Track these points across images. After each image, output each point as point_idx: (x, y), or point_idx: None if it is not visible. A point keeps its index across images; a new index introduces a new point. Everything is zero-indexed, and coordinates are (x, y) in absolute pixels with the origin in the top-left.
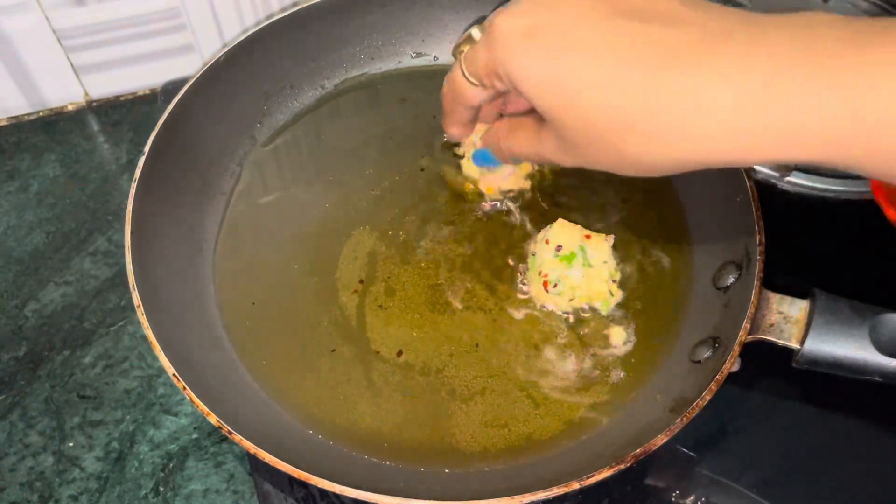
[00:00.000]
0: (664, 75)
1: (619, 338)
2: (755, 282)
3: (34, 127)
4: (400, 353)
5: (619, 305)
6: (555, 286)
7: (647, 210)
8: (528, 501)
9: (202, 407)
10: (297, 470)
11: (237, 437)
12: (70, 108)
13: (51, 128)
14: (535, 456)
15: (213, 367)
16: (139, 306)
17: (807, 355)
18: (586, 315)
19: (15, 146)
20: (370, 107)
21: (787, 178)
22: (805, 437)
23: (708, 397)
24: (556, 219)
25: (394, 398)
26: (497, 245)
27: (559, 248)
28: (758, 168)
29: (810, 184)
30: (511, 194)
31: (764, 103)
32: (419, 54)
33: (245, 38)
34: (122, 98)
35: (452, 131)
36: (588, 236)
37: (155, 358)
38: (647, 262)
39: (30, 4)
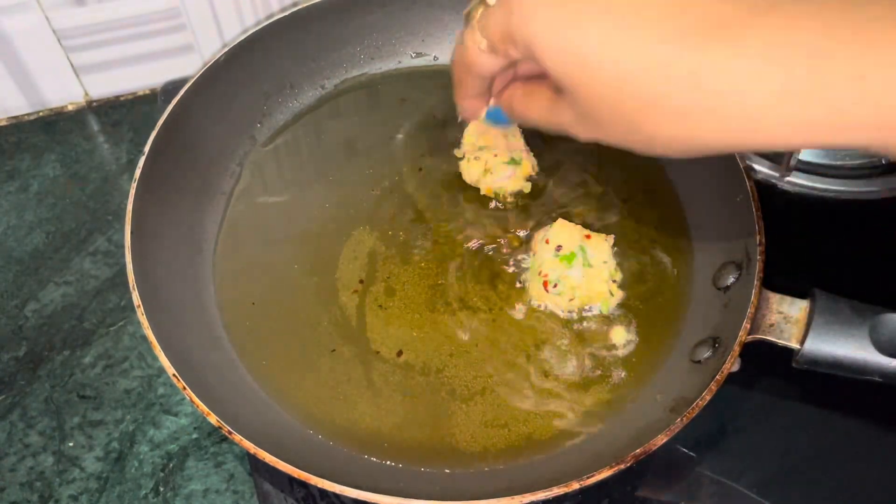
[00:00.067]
0: (702, 51)
1: (621, 338)
2: (755, 282)
3: (34, 127)
4: (400, 353)
5: (620, 305)
6: (555, 286)
7: (647, 210)
8: (528, 501)
9: (202, 407)
10: (297, 470)
11: (237, 437)
12: (70, 108)
13: (51, 128)
14: (535, 456)
15: (213, 367)
16: (139, 306)
17: (807, 355)
18: (586, 315)
19: (15, 146)
20: (370, 107)
21: (787, 178)
22: (805, 437)
23: (708, 397)
24: (556, 219)
25: (394, 398)
26: (497, 245)
27: (559, 248)
28: (758, 168)
29: (810, 184)
30: (511, 195)
31: (812, 87)
32: (419, 54)
33: (245, 38)
34: (122, 98)
35: (465, 105)
36: (588, 236)
37: (155, 358)
38: (647, 262)
39: (30, 4)
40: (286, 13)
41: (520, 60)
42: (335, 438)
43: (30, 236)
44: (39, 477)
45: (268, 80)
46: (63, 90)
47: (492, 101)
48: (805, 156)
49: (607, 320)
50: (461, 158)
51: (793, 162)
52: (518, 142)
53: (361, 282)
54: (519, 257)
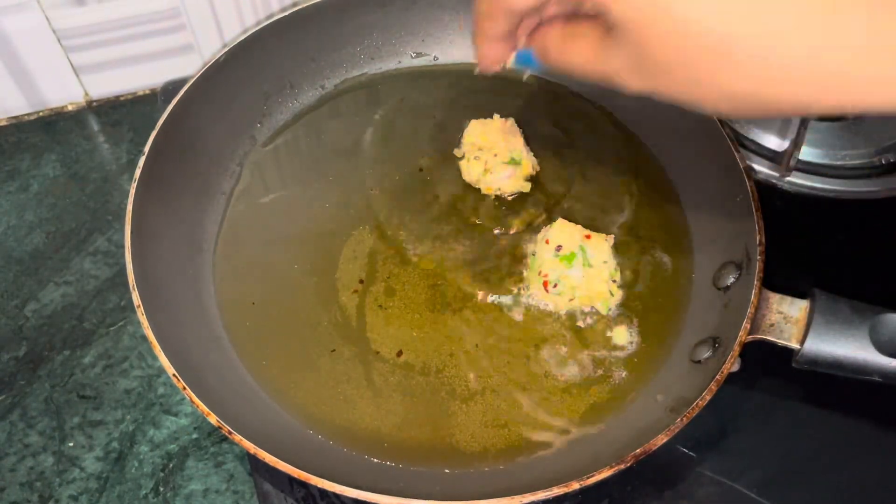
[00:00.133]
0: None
1: (623, 338)
2: (755, 282)
3: (34, 127)
4: (400, 353)
5: (619, 305)
6: (555, 286)
7: (647, 210)
8: (528, 501)
9: (202, 407)
10: (297, 470)
11: (237, 437)
12: (70, 108)
13: (51, 128)
14: (535, 456)
15: (212, 367)
16: (139, 306)
17: (807, 355)
18: (586, 315)
19: (15, 146)
20: (370, 107)
21: (787, 178)
22: (805, 437)
23: (708, 397)
24: (556, 219)
25: (394, 398)
26: (497, 245)
27: (559, 248)
28: (758, 168)
29: (810, 184)
30: (511, 195)
31: None
32: (419, 54)
33: (245, 38)
34: (122, 98)
35: (486, 51)
36: (588, 236)
37: (155, 358)
38: (647, 262)
39: (30, 4)
40: (286, 13)
41: None
42: (335, 438)
43: (30, 236)
44: (39, 477)
45: (268, 80)
46: (63, 90)
47: (520, 45)
48: (805, 156)
49: (608, 320)
50: (461, 158)
51: (793, 162)
52: (518, 142)
53: (361, 282)
54: (519, 257)
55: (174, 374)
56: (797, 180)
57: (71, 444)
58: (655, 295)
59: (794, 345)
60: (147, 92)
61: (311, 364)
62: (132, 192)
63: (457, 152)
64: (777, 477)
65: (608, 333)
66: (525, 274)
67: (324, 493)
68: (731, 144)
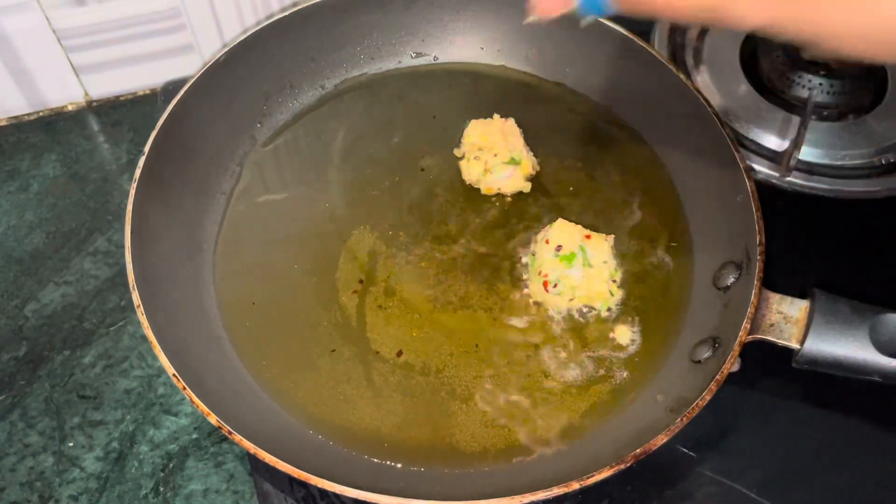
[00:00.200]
0: None
1: (626, 338)
2: (755, 282)
3: (34, 127)
4: (400, 353)
5: (620, 305)
6: (555, 286)
7: (647, 210)
8: (528, 501)
9: (202, 407)
10: (297, 470)
11: (237, 437)
12: (70, 108)
13: (51, 128)
14: (535, 456)
15: (212, 367)
16: (139, 306)
17: (807, 355)
18: (586, 315)
19: (15, 146)
20: (370, 107)
21: (787, 178)
22: (805, 437)
23: (708, 397)
24: (556, 219)
25: (394, 398)
26: (497, 245)
27: (559, 248)
28: (758, 168)
29: (810, 184)
30: (511, 195)
31: None
32: (419, 54)
33: (245, 38)
34: (122, 98)
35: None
36: (588, 236)
37: (155, 358)
38: (647, 262)
39: (30, 4)
40: (286, 13)
41: None
42: (335, 438)
43: (30, 236)
44: (39, 477)
45: (268, 80)
46: (63, 90)
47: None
48: (805, 156)
49: (608, 320)
50: (461, 158)
51: (793, 162)
52: (518, 142)
53: (361, 282)
54: (519, 257)
55: (174, 374)
56: (797, 180)
57: (71, 444)
58: (655, 295)
59: (794, 345)
60: (147, 92)
61: (311, 364)
62: (132, 192)
63: (457, 152)
64: (777, 477)
65: (611, 334)
66: (525, 274)
67: (324, 493)
68: (731, 144)
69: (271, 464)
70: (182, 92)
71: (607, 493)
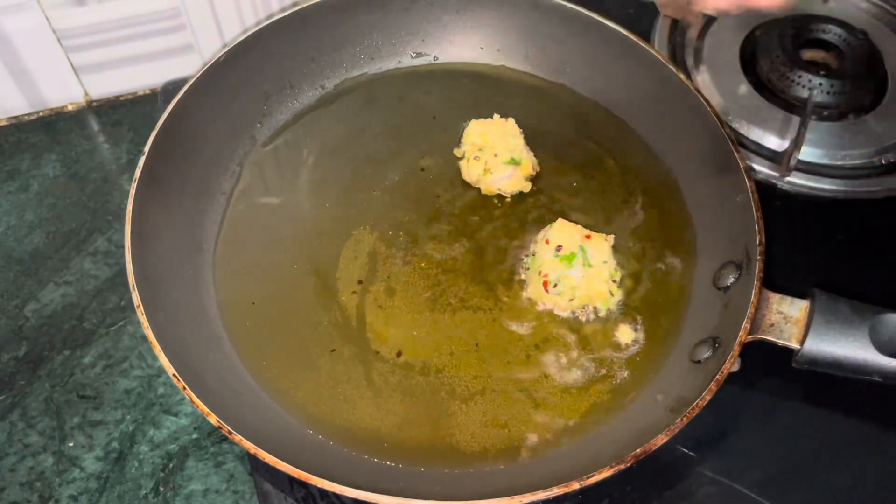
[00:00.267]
0: None
1: (628, 337)
2: (755, 282)
3: (34, 127)
4: (400, 354)
5: (619, 305)
6: (555, 286)
7: (647, 210)
8: (528, 501)
9: (202, 407)
10: (297, 470)
11: (237, 437)
12: (70, 108)
13: (51, 128)
14: (535, 456)
15: (212, 367)
16: (139, 306)
17: (807, 355)
18: (586, 315)
19: (15, 146)
20: (370, 107)
21: (787, 178)
22: (805, 437)
23: (708, 397)
24: (556, 219)
25: (394, 398)
26: (497, 245)
27: (559, 248)
28: (758, 168)
29: (810, 184)
30: (511, 195)
31: None
32: (419, 54)
33: (245, 38)
34: (122, 98)
35: None
36: (588, 236)
37: (155, 358)
38: (647, 262)
39: (30, 4)
40: (286, 13)
41: None
42: (335, 438)
43: (30, 236)
44: (39, 477)
45: (268, 80)
46: (63, 90)
47: None
48: (805, 156)
49: (608, 320)
50: (461, 158)
51: (793, 162)
52: (518, 142)
53: (361, 282)
54: (519, 257)
55: (174, 374)
56: (797, 180)
57: (71, 444)
58: (655, 295)
59: (794, 345)
60: (147, 92)
61: (311, 364)
62: (132, 192)
63: (457, 152)
64: (777, 477)
65: (613, 334)
66: (525, 274)
67: (324, 493)
68: (731, 144)
69: (271, 464)
70: (182, 92)
71: (607, 493)
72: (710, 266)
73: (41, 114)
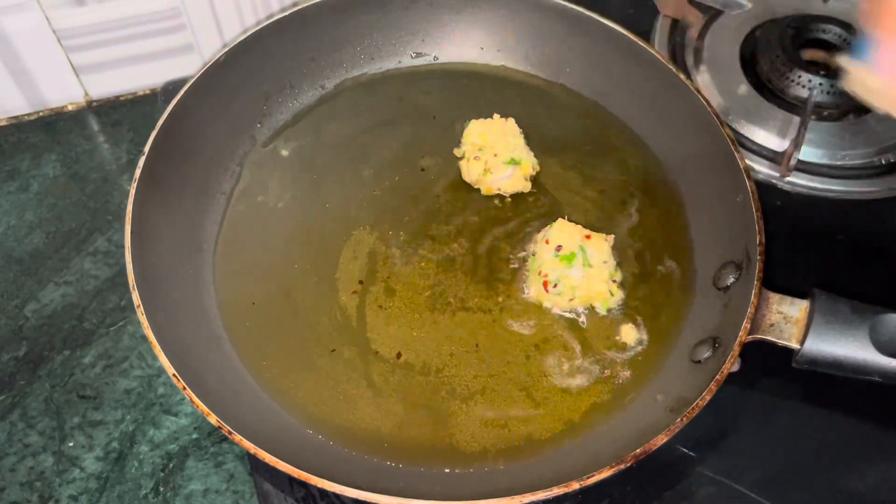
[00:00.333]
0: None
1: (632, 338)
2: (755, 282)
3: (34, 127)
4: (400, 354)
5: (620, 305)
6: (555, 286)
7: (647, 210)
8: (528, 501)
9: (202, 407)
10: (297, 470)
11: (237, 437)
12: (70, 108)
13: (51, 128)
14: (535, 456)
15: (213, 367)
16: (139, 306)
17: (807, 355)
18: (586, 315)
19: (15, 146)
20: (370, 107)
21: (787, 178)
22: (805, 437)
23: (708, 397)
24: (556, 219)
25: (394, 398)
26: (497, 245)
27: (559, 248)
28: (758, 168)
29: (810, 184)
30: (511, 195)
31: None
32: (419, 54)
33: (245, 38)
34: (122, 98)
35: None
36: (588, 236)
37: (155, 358)
38: (647, 262)
39: (30, 4)
40: (286, 13)
41: None
42: (335, 438)
43: (30, 236)
44: (39, 477)
45: (268, 80)
46: (63, 90)
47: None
48: (805, 156)
49: (608, 320)
50: (461, 158)
51: (793, 162)
52: (518, 142)
53: (361, 282)
54: (519, 257)
55: (174, 374)
56: (797, 180)
57: (71, 444)
58: (655, 295)
59: (794, 345)
60: (147, 92)
61: (311, 364)
62: (132, 192)
63: (457, 152)
64: (777, 477)
65: (617, 336)
66: (525, 274)
67: (324, 493)
68: (731, 144)
69: (271, 464)
70: (182, 92)
71: (607, 493)
72: (710, 266)
73: (41, 114)
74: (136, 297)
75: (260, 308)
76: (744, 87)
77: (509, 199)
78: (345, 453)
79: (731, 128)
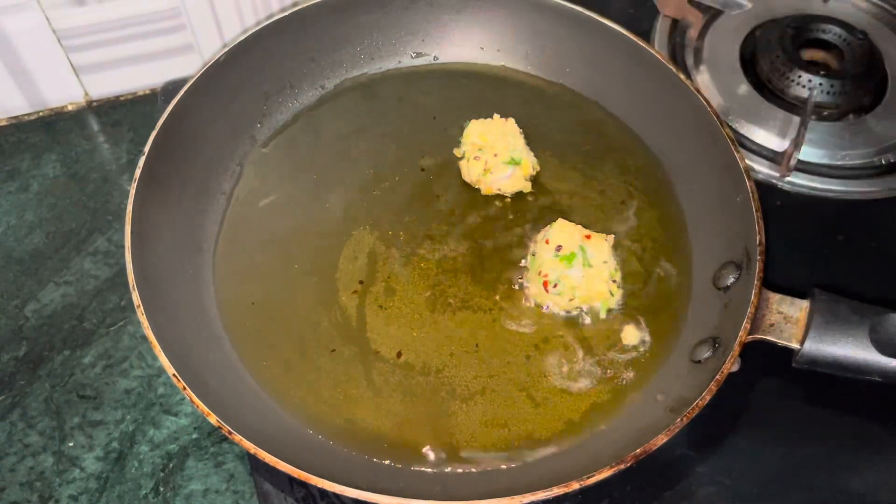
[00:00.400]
0: None
1: (635, 339)
2: (755, 282)
3: (34, 127)
4: (400, 354)
5: (620, 306)
6: (555, 286)
7: (647, 210)
8: (528, 501)
9: (202, 407)
10: (297, 470)
11: (237, 437)
12: (70, 108)
13: (51, 128)
14: (535, 456)
15: (212, 367)
16: (139, 306)
17: (807, 355)
18: (586, 315)
19: (15, 146)
20: (370, 107)
21: (787, 178)
22: (805, 437)
23: (708, 397)
24: (556, 219)
25: (394, 398)
26: (497, 245)
27: (559, 248)
28: (758, 168)
29: (810, 184)
30: (511, 195)
31: None
32: (419, 54)
33: (245, 38)
34: (122, 98)
35: None
36: (588, 236)
37: (155, 358)
38: (647, 262)
39: (30, 4)
40: (286, 13)
41: None
42: (335, 438)
43: (30, 236)
44: (39, 477)
45: (268, 80)
46: (63, 90)
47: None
48: (805, 156)
49: (607, 320)
50: (461, 158)
51: (793, 162)
52: (518, 142)
53: (361, 282)
54: (519, 257)
55: (174, 374)
56: (797, 180)
57: (71, 444)
58: (655, 295)
59: (794, 345)
60: (147, 92)
61: (311, 364)
62: (132, 192)
63: (457, 152)
64: (777, 477)
65: (619, 336)
66: (525, 274)
67: (324, 493)
68: (731, 144)
69: (271, 464)
70: (182, 92)
71: (607, 493)
72: (710, 266)
73: (41, 114)
74: (136, 297)
75: (260, 308)
76: (744, 87)
77: (509, 199)
78: (345, 453)
79: (731, 128)
